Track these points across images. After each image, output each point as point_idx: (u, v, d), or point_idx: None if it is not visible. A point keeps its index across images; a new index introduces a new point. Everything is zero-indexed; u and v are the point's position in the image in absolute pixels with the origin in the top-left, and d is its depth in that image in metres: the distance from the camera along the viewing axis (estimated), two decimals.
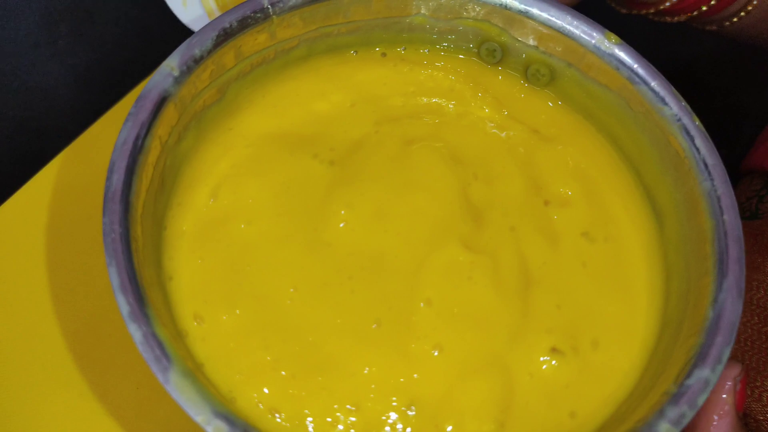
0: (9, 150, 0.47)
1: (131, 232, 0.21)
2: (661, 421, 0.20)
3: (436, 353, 0.23)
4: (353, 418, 0.22)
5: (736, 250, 0.23)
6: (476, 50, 0.30)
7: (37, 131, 0.48)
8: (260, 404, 0.22)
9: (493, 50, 0.30)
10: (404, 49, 0.30)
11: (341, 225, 0.25)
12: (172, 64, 0.24)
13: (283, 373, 0.23)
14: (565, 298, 0.25)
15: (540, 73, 0.29)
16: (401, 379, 0.23)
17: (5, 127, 0.47)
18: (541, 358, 0.24)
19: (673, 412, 0.20)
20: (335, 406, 0.22)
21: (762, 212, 0.37)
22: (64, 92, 0.49)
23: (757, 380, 0.32)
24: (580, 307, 0.25)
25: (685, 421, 0.20)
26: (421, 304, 0.24)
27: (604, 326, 0.25)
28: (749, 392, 0.33)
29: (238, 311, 0.23)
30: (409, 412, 0.22)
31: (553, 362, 0.24)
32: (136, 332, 0.19)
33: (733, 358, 0.34)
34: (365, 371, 0.23)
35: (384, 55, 0.30)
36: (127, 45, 0.50)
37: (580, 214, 0.27)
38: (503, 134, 0.28)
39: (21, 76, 0.49)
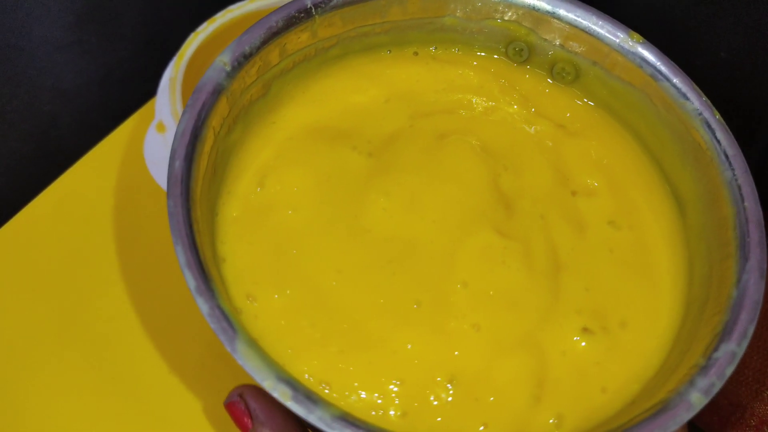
0: (43, 144, 0.49)
1: (192, 213, 0.23)
2: (692, 390, 0.21)
3: (474, 331, 0.25)
4: (398, 390, 0.24)
5: (757, 234, 0.24)
6: (504, 50, 0.31)
7: (69, 127, 0.50)
8: (311, 377, 0.23)
9: (520, 50, 0.31)
10: (435, 49, 0.32)
11: (380, 212, 0.27)
12: (224, 59, 0.26)
13: (331, 348, 0.24)
14: (593, 282, 0.26)
15: (565, 71, 0.31)
16: (442, 356, 0.24)
17: (41, 122, 0.49)
18: (574, 338, 0.25)
19: (703, 383, 0.22)
20: (381, 380, 0.24)
21: None
22: (96, 89, 0.51)
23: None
24: (608, 289, 0.26)
25: (715, 390, 0.21)
26: (458, 286, 0.25)
27: (631, 307, 0.26)
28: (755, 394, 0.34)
29: (288, 291, 0.25)
30: (450, 386, 0.24)
31: (584, 342, 0.25)
32: (203, 305, 0.21)
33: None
34: (408, 348, 0.24)
35: (416, 54, 0.31)
36: (156, 43, 0.52)
37: (606, 203, 0.28)
38: (531, 129, 0.30)
39: (54, 73, 0.50)
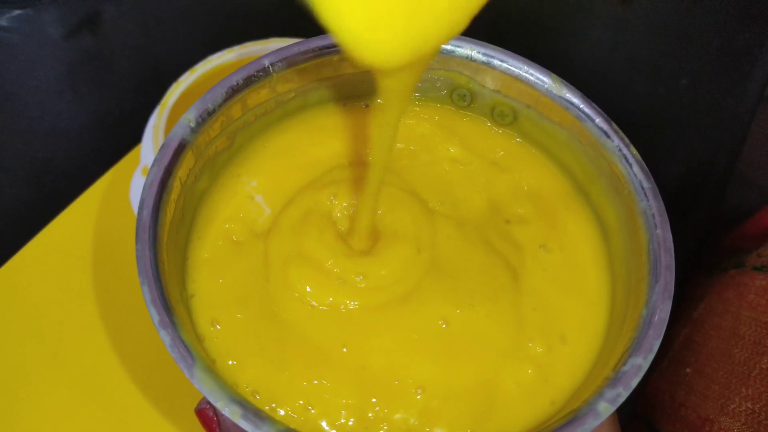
0: (37, 189, 0.52)
1: (159, 256, 0.26)
2: (600, 400, 0.24)
3: (419, 396, 0.27)
4: (353, 417, 0.26)
5: (666, 259, 0.27)
6: (449, 96, 0.35)
7: (62, 172, 0.53)
8: (257, 396, 0.26)
9: (463, 95, 0.34)
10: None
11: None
12: (189, 117, 0.29)
13: (286, 373, 0.27)
14: (537, 301, 0.29)
15: (504, 114, 0.34)
16: (407, 391, 0.27)
17: (34, 168, 0.51)
18: (528, 371, 0.28)
19: (610, 393, 0.24)
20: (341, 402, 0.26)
21: None
22: (87, 135, 0.54)
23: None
24: (548, 307, 0.29)
25: (621, 400, 0.24)
26: (442, 324, 0.28)
27: (567, 322, 0.29)
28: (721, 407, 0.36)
29: (252, 319, 0.28)
30: (412, 420, 0.26)
31: (531, 370, 0.28)
32: (165, 337, 0.24)
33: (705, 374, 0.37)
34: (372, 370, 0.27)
35: (366, 106, 0.34)
36: (144, 90, 0.55)
37: (537, 230, 0.31)
38: (465, 167, 0.33)
39: (48, 120, 0.53)
